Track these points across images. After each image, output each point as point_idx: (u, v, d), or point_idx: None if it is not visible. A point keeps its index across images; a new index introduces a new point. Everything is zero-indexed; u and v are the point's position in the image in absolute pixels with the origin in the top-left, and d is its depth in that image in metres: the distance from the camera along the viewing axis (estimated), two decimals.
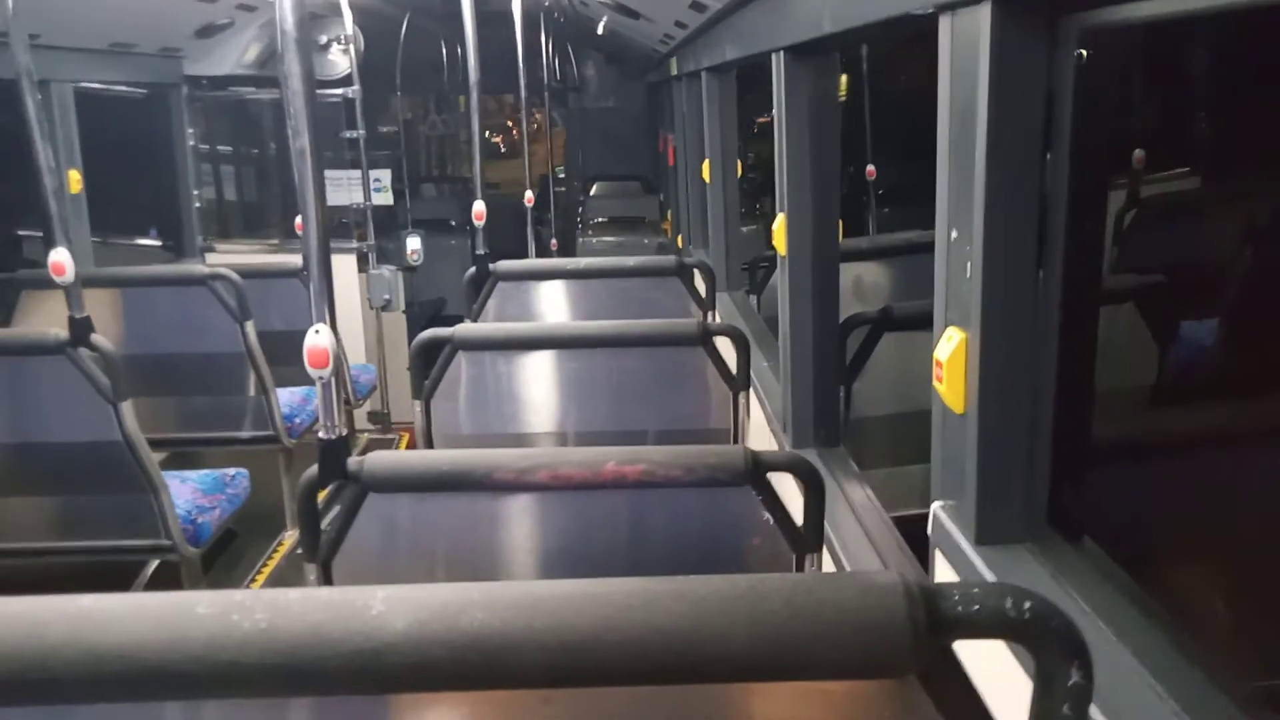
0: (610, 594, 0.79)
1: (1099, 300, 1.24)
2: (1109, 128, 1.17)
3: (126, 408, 2.84)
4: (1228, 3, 0.89)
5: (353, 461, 1.67)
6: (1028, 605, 0.78)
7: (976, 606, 0.78)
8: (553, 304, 3.57)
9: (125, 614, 0.76)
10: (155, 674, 0.74)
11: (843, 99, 6.11)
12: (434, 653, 0.75)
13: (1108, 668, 1.08)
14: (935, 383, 1.32)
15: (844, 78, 6.12)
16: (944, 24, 1.21)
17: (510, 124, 9.31)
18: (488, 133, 9.21)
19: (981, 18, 1.10)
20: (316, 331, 1.75)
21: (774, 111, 2.40)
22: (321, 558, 1.68)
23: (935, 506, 1.42)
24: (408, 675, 0.75)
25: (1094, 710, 1.02)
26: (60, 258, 2.71)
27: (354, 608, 0.77)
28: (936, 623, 0.77)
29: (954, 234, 1.25)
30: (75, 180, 4.20)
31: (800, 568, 1.66)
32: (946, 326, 1.30)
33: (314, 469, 1.70)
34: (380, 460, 1.68)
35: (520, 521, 1.90)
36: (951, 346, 1.27)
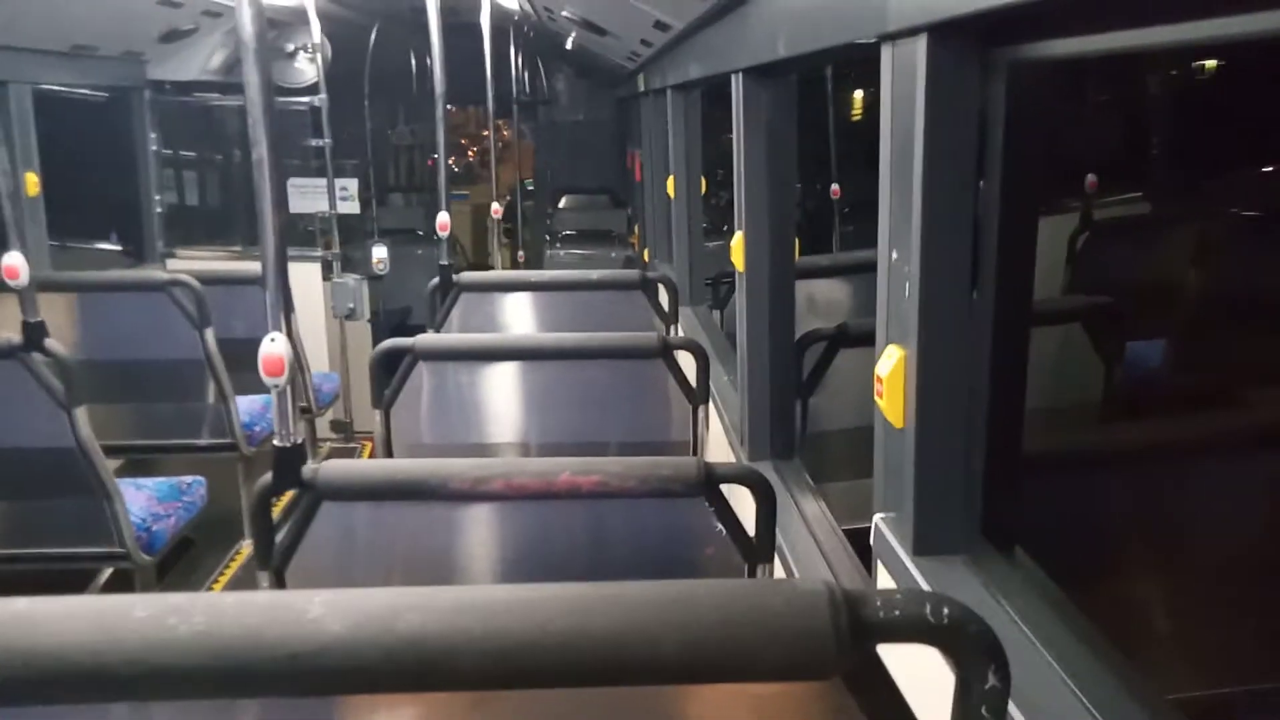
0: (545, 599, 0.81)
1: (1029, 320, 1.29)
2: (1040, 156, 1.22)
3: (81, 414, 2.81)
4: (1152, 43, 0.94)
5: (307, 469, 1.68)
6: (946, 611, 0.82)
7: (897, 612, 0.81)
8: (516, 315, 3.59)
9: (61, 616, 0.77)
10: (91, 676, 0.75)
11: (857, 117, 6.18)
12: (369, 655, 0.77)
13: (1031, 674, 1.13)
14: (876, 398, 1.36)
15: (858, 93, 6.21)
16: (885, 53, 1.26)
17: (480, 135, 9.32)
18: (464, 141, 9.20)
19: (918, 48, 1.15)
20: (272, 340, 1.76)
21: (733, 130, 2.45)
22: (274, 565, 1.69)
23: (877, 518, 1.46)
24: (343, 678, 0.77)
25: (1015, 713, 1.06)
26: (13, 261, 2.68)
27: (291, 611, 0.78)
28: (858, 628, 0.80)
29: (894, 255, 1.29)
30: (33, 183, 4.15)
31: (752, 577, 1.69)
32: (887, 344, 1.35)
33: (268, 476, 1.70)
34: (335, 468, 1.69)
35: (476, 531, 1.91)
36: (891, 363, 1.31)
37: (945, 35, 1.13)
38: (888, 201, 1.32)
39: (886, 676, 0.89)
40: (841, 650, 0.79)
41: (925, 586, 1.27)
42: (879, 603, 0.81)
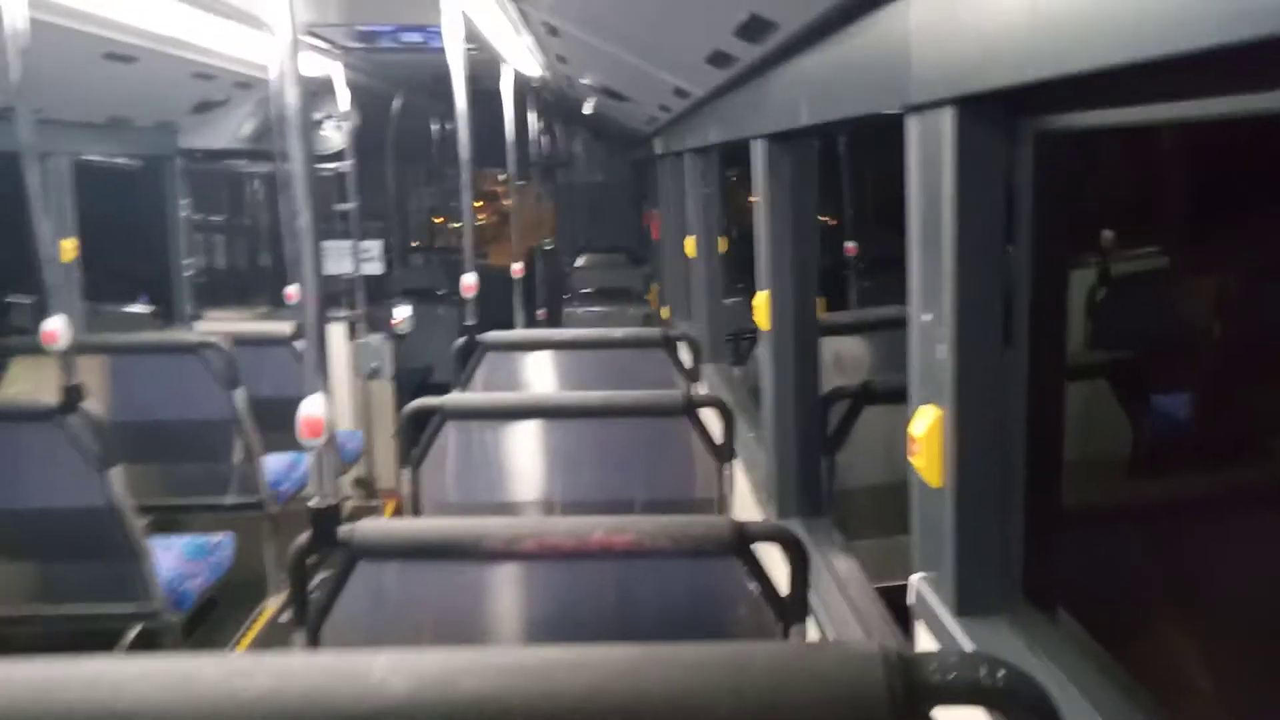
0: (601, 661, 0.83)
1: (1064, 377, 1.31)
2: (1068, 219, 1.25)
3: (114, 474, 2.84)
4: (1177, 116, 0.98)
5: (343, 529, 1.70)
6: (1001, 674, 0.82)
7: (953, 675, 0.82)
8: (539, 374, 3.62)
9: (132, 677, 0.79)
10: None
11: (872, 177, 6.26)
12: (432, 717, 0.78)
13: None
14: (911, 457, 1.38)
15: (873, 153, 6.30)
16: (911, 123, 1.30)
17: (500, 195, 9.49)
18: (477, 205, 9.36)
19: (945, 118, 1.19)
20: (311, 401, 1.79)
21: (755, 193, 2.50)
22: (311, 625, 1.70)
23: (916, 578, 1.46)
24: None
25: None
26: (54, 325, 2.75)
27: (355, 673, 0.80)
28: (914, 691, 0.81)
29: (925, 317, 1.32)
30: (69, 249, 4.26)
31: (786, 637, 1.69)
32: (920, 403, 1.37)
33: (305, 535, 1.72)
34: (371, 528, 1.71)
35: (507, 590, 1.91)
36: (926, 423, 1.32)
37: (971, 107, 1.18)
38: (917, 265, 1.35)
39: None
40: (896, 714, 0.80)
41: (969, 647, 1.26)
42: (933, 666, 0.82)
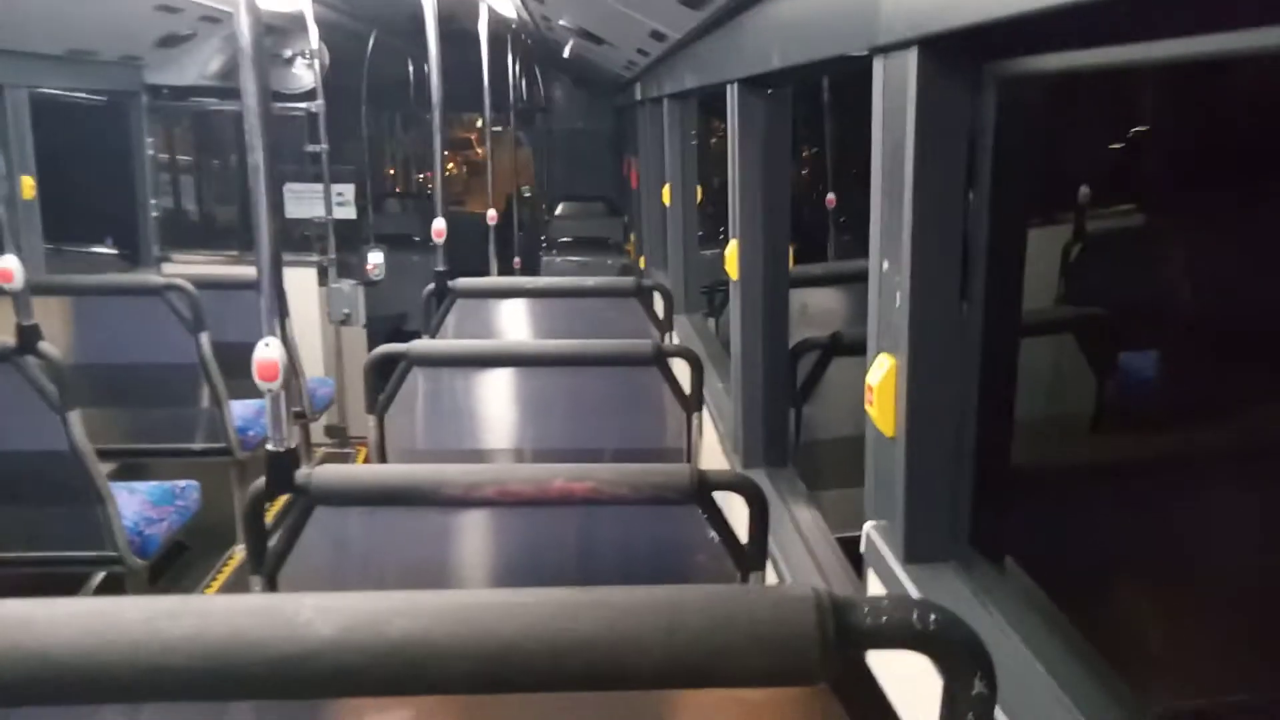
0: (533, 603, 0.82)
1: (1019, 331, 1.30)
2: (1031, 170, 1.24)
3: (74, 417, 2.81)
4: (1144, 58, 0.96)
5: (301, 474, 1.68)
6: (933, 618, 0.82)
7: (884, 619, 0.82)
8: (511, 322, 3.59)
9: (54, 618, 0.78)
10: (83, 678, 0.75)
11: (853, 128, 6.19)
12: (357, 659, 0.77)
13: (1020, 682, 1.13)
14: (867, 406, 1.37)
15: (855, 104, 6.23)
16: (877, 65, 1.27)
17: (475, 141, 9.33)
18: (484, 149, 9.25)
19: (909, 61, 1.16)
20: (266, 344, 1.76)
21: (728, 139, 2.46)
22: (267, 571, 1.69)
23: (868, 526, 1.47)
24: (333, 681, 0.77)
25: None
26: (8, 264, 2.68)
27: (282, 614, 0.79)
28: (845, 634, 0.81)
29: (885, 265, 1.30)
30: (28, 186, 4.16)
31: (744, 584, 1.70)
32: (878, 353, 1.36)
33: (261, 481, 1.70)
34: (329, 473, 1.69)
35: (469, 537, 1.91)
36: (882, 372, 1.32)
37: (935, 49, 1.15)
38: (879, 212, 1.33)
39: (874, 683, 0.90)
40: (827, 656, 0.80)
41: (915, 593, 1.27)
42: (866, 609, 0.82)
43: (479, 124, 8.82)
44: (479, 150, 8.94)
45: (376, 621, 0.78)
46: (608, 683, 0.80)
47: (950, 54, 1.15)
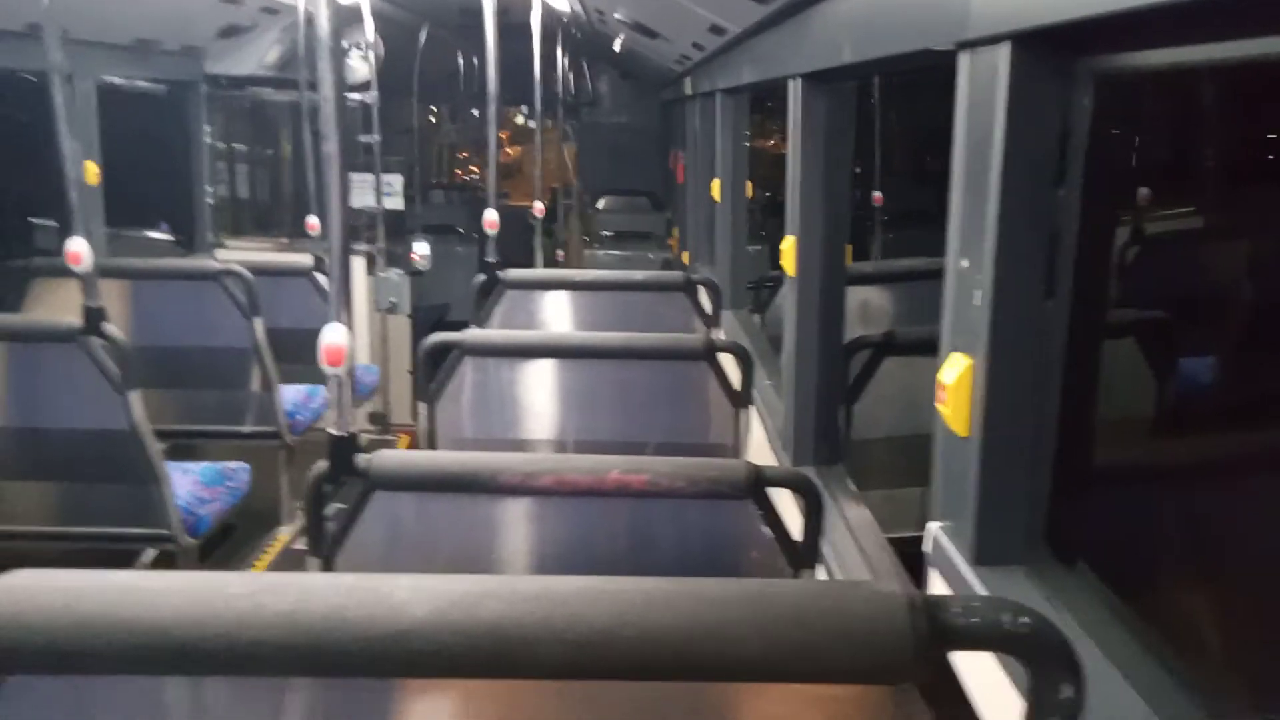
0: (624, 591, 0.82)
1: (1104, 332, 1.28)
2: (1120, 166, 1.21)
3: (134, 397, 2.86)
4: (1246, 55, 0.93)
5: (361, 458, 1.70)
6: (1024, 620, 0.81)
7: (976, 619, 0.81)
8: (557, 314, 3.60)
9: (159, 591, 0.79)
10: (186, 650, 0.77)
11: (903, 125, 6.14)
12: (452, 640, 0.78)
13: (1097, 688, 1.11)
14: (939, 405, 1.36)
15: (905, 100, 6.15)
16: (963, 60, 1.26)
17: (505, 139, 9.34)
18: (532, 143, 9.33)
19: (1000, 56, 1.14)
20: (334, 329, 1.78)
21: (788, 135, 2.44)
22: (325, 553, 1.71)
23: (933, 526, 1.45)
24: (427, 661, 0.78)
25: None
26: (77, 247, 2.74)
27: (377, 594, 0.80)
28: (937, 633, 0.80)
29: (964, 262, 1.29)
30: (93, 172, 4.25)
31: None
32: (952, 351, 1.34)
33: (323, 463, 1.72)
34: (388, 458, 1.71)
35: (522, 525, 1.92)
36: (957, 371, 1.30)
37: (1029, 44, 1.13)
38: (959, 208, 1.31)
39: (956, 684, 0.89)
40: (919, 654, 0.79)
41: (984, 594, 1.26)
42: (958, 609, 0.81)
43: (518, 119, 8.84)
44: (509, 150, 8.95)
45: (469, 603, 0.79)
46: (701, 674, 0.80)
47: (1044, 49, 1.13)
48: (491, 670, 0.79)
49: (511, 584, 0.82)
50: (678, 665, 0.79)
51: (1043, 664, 0.82)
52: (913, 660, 0.79)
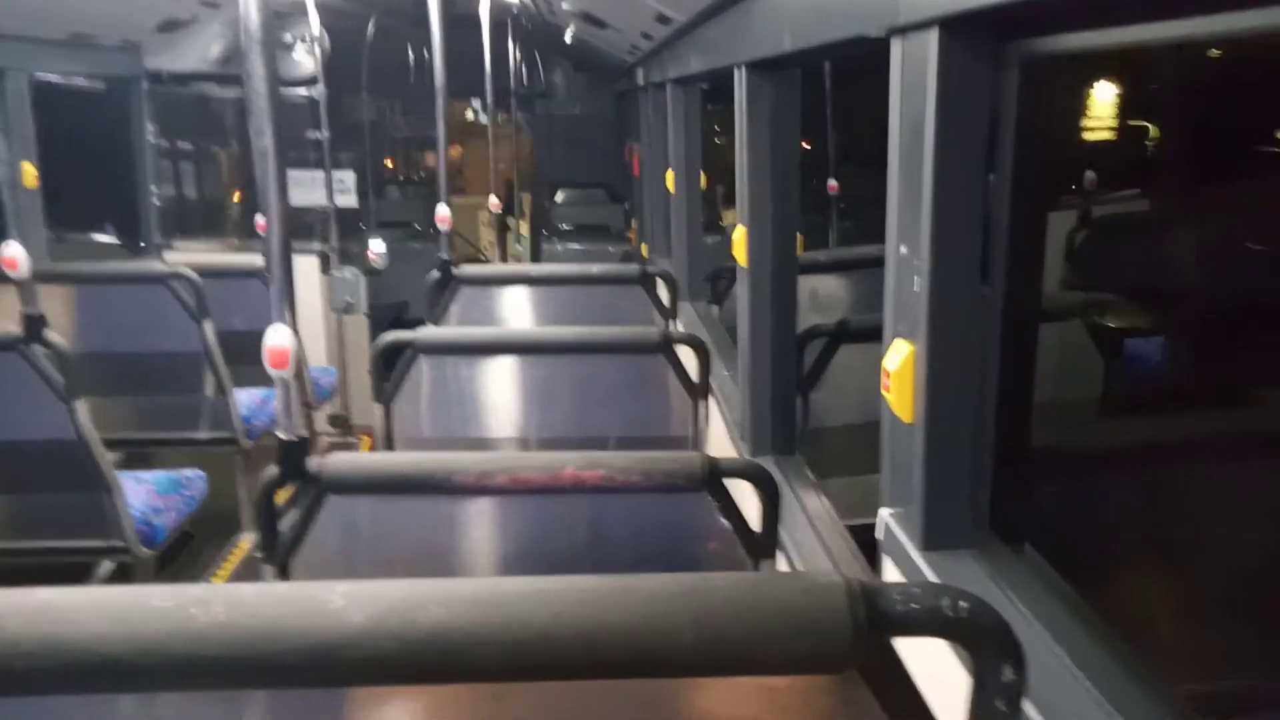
0: (563, 591, 0.81)
1: (1039, 315, 1.30)
2: (1050, 150, 1.22)
3: (80, 406, 2.80)
4: (1173, 36, 0.95)
5: (313, 462, 1.67)
6: (963, 605, 0.82)
7: (915, 605, 0.82)
8: (515, 309, 3.58)
9: (82, 606, 0.77)
10: (112, 666, 0.75)
11: (854, 111, 6.17)
12: (391, 647, 0.77)
13: (1043, 668, 1.13)
14: (884, 392, 1.37)
15: (857, 87, 6.15)
16: (895, 46, 1.26)
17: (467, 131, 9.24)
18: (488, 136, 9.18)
19: (930, 42, 1.15)
20: (277, 331, 1.75)
21: (735, 124, 2.44)
22: (279, 559, 1.68)
23: (884, 513, 1.47)
24: (366, 669, 0.77)
25: (1029, 708, 1.06)
26: (13, 252, 2.67)
27: (313, 602, 0.78)
28: (876, 620, 0.80)
29: (903, 249, 1.29)
30: (30, 174, 4.13)
31: (756, 571, 1.70)
32: (895, 338, 1.35)
33: (273, 468, 1.70)
34: (340, 461, 1.69)
35: (479, 525, 1.91)
36: (900, 357, 1.31)
37: (958, 28, 1.13)
38: (896, 196, 1.32)
39: (902, 669, 0.90)
40: (859, 643, 0.79)
41: (934, 580, 1.27)
42: (896, 596, 0.82)
43: (467, 114, 8.75)
44: (468, 142, 8.86)
45: (408, 609, 0.78)
46: (639, 670, 0.79)
47: (973, 33, 1.14)
48: (431, 676, 0.78)
49: (450, 587, 0.81)
50: (617, 662, 0.79)
51: (983, 648, 0.83)
52: (852, 648, 0.79)
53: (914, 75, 1.21)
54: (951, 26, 1.13)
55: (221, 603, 0.77)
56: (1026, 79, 1.15)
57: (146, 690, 0.78)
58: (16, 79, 4.09)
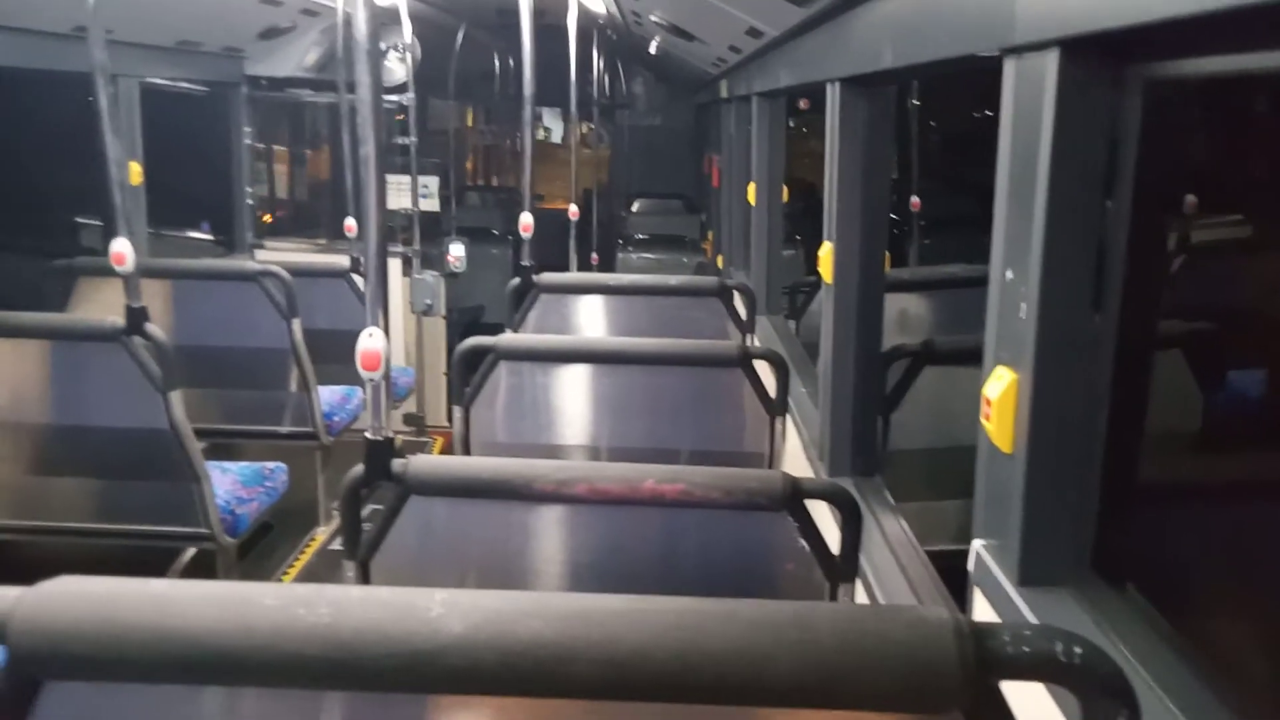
0: (660, 611, 0.81)
1: (1154, 346, 1.24)
2: (1171, 176, 1.17)
3: (175, 397, 2.90)
4: None
5: (397, 463, 1.70)
6: (1077, 650, 0.79)
7: (1026, 648, 0.79)
8: (592, 318, 3.60)
9: (195, 600, 0.79)
10: (221, 660, 0.77)
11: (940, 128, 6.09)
12: (488, 657, 0.77)
13: (1149, 716, 1.08)
14: (983, 420, 1.32)
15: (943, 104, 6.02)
16: (1008, 66, 1.23)
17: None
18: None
19: (1048, 62, 1.11)
20: (370, 334, 1.78)
21: (826, 139, 2.41)
22: (361, 556, 1.71)
23: (977, 544, 1.42)
24: (462, 677, 0.77)
25: None
26: (121, 248, 2.79)
27: (413, 608, 0.79)
28: (985, 662, 0.77)
29: (1009, 274, 1.25)
30: (136, 173, 4.32)
31: (834, 596, 1.66)
32: (996, 364, 1.31)
33: (359, 468, 1.73)
34: (423, 464, 1.71)
35: (553, 532, 1.92)
36: (1002, 386, 1.27)
37: (1078, 50, 1.10)
38: (1004, 220, 1.28)
39: (1007, 712, 0.86)
40: (967, 683, 0.77)
41: (1031, 618, 1.22)
42: (1006, 637, 0.79)
43: (539, 132, 8.85)
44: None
45: (506, 621, 0.78)
46: (734, 697, 0.78)
47: (1094, 55, 1.10)
48: (526, 688, 0.78)
49: (547, 601, 0.81)
50: (713, 688, 0.77)
51: (1096, 695, 0.79)
52: (960, 689, 0.76)
53: (1029, 96, 1.17)
54: (1072, 48, 1.09)
55: (326, 604, 0.78)
56: (1149, 103, 1.11)
57: (251, 685, 0.80)
58: (128, 84, 4.28)
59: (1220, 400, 2.54)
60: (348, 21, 1.53)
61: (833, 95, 2.33)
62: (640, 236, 8.03)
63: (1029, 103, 1.18)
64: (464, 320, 6.24)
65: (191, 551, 3.43)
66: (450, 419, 2.66)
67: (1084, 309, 1.18)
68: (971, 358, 1.47)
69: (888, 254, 2.70)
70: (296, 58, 5.31)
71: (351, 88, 1.74)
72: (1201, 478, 1.86)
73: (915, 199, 5.53)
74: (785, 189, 4.54)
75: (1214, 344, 2.68)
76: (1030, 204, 1.18)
